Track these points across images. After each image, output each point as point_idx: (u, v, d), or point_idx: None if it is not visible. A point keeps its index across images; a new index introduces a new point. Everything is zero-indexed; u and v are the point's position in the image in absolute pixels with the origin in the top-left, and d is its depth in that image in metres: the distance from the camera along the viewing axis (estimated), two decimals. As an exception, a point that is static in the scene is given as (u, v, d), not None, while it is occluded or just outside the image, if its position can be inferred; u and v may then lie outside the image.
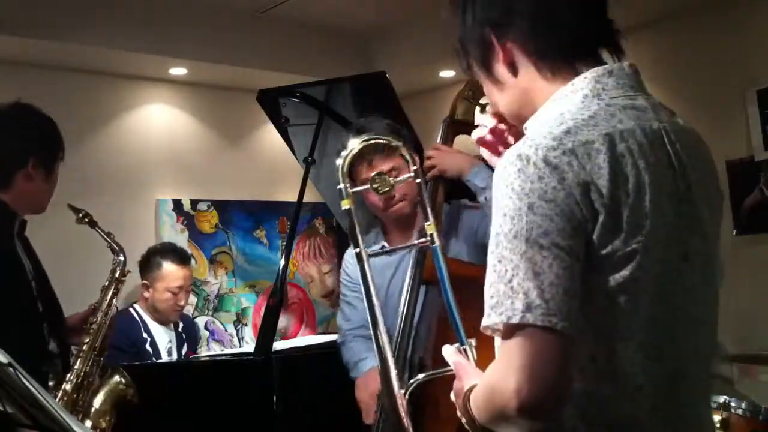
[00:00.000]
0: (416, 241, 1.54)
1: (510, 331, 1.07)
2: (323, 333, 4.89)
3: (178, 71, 4.76)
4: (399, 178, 1.61)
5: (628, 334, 1.13)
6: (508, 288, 1.07)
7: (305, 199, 3.08)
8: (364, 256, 1.43)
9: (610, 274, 1.11)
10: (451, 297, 1.43)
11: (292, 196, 3.89)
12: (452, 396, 1.29)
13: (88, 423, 2.32)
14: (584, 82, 1.20)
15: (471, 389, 1.21)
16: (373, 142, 1.56)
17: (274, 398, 2.64)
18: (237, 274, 5.03)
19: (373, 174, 1.59)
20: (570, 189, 1.08)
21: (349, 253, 2.69)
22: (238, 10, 4.68)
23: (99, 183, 4.41)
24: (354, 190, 1.45)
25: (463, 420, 1.23)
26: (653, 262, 1.13)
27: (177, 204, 4.84)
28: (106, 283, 2.52)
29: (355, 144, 1.48)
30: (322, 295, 5.30)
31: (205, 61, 4.64)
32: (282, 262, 2.98)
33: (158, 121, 4.90)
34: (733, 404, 2.51)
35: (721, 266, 1.26)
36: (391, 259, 2.52)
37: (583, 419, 1.13)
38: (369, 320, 1.43)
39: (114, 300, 2.51)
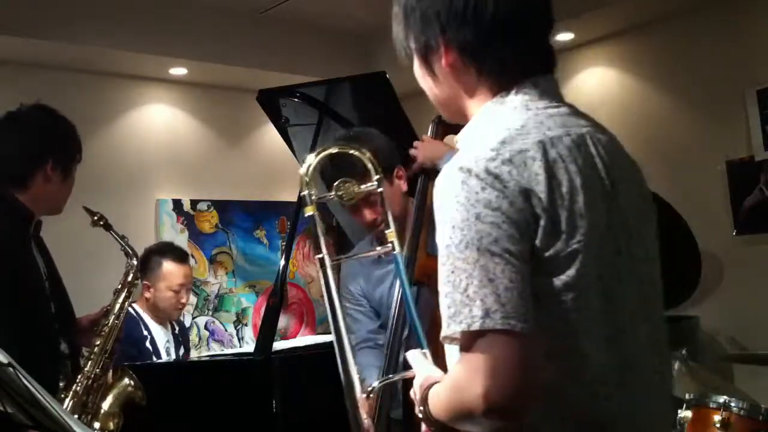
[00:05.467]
0: (380, 249, 1.56)
1: (471, 338, 1.10)
2: (323, 333, 4.89)
3: (178, 71, 4.76)
4: (362, 187, 1.58)
5: (581, 329, 1.18)
6: (464, 297, 1.10)
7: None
8: (327, 263, 1.46)
9: (557, 275, 1.16)
10: (411, 304, 1.47)
11: (292, 196, 3.89)
12: (411, 394, 1.33)
13: (97, 425, 2.31)
14: (512, 95, 1.26)
15: (430, 387, 1.25)
16: (333, 152, 1.57)
17: (274, 403, 2.64)
18: (237, 274, 5.03)
19: (338, 182, 1.59)
20: (513, 197, 1.13)
21: (347, 270, 2.69)
22: (237, 10, 4.68)
23: (99, 183, 4.40)
24: (318, 199, 1.47)
25: (421, 415, 1.27)
26: (594, 259, 1.18)
27: (177, 204, 4.84)
28: (119, 286, 2.51)
29: (312, 159, 1.49)
30: (322, 295, 5.29)
31: (205, 61, 4.64)
32: (282, 262, 2.97)
33: (158, 121, 4.90)
34: (733, 404, 2.51)
35: (653, 261, 1.34)
36: (390, 266, 2.52)
37: (544, 415, 1.16)
38: (332, 326, 1.46)
39: (126, 303, 2.51)
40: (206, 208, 4.95)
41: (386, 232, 1.52)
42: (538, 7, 1.31)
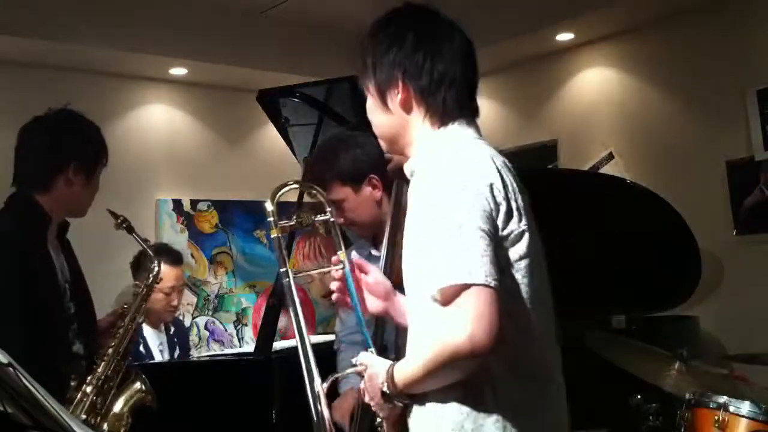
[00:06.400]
0: (332, 267, 1.81)
1: (455, 292, 1.41)
2: (323, 333, 4.89)
3: (178, 71, 4.76)
4: (317, 218, 1.89)
5: (529, 294, 1.52)
6: (449, 261, 1.42)
7: (305, 199, 3.08)
8: (290, 275, 1.76)
9: (513, 247, 1.51)
10: (360, 311, 1.76)
11: (292, 197, 3.88)
12: (362, 384, 1.63)
13: (105, 426, 2.30)
14: (451, 126, 1.63)
15: (392, 366, 1.54)
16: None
17: (273, 403, 2.64)
18: (237, 274, 5.03)
19: (297, 211, 1.92)
20: (481, 189, 1.48)
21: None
22: (238, 10, 4.68)
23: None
24: (282, 224, 1.81)
25: (377, 398, 1.56)
26: (533, 239, 1.54)
27: (177, 204, 4.84)
28: (139, 289, 2.51)
29: (269, 206, 1.80)
30: (322, 295, 5.30)
31: (205, 61, 4.64)
32: (282, 262, 2.97)
33: (158, 121, 4.90)
34: (733, 404, 2.51)
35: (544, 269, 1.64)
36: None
37: (506, 365, 1.47)
38: (294, 327, 1.71)
39: (143, 306, 2.50)
40: (206, 208, 4.95)
41: (338, 252, 1.79)
42: (471, 69, 1.68)
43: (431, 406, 1.53)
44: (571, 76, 4.79)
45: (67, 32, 4.13)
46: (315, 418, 1.65)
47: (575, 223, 3.26)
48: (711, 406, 2.55)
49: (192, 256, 4.83)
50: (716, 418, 2.50)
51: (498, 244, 1.47)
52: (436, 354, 1.43)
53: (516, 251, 1.51)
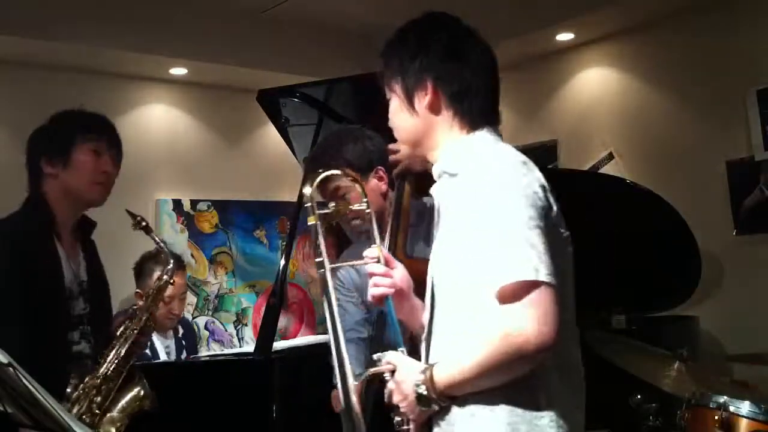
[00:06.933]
0: (368, 260, 1.78)
1: (521, 289, 1.42)
2: (323, 333, 4.89)
3: (178, 71, 4.76)
4: (354, 206, 1.86)
5: (569, 294, 1.55)
6: (514, 257, 1.44)
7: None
8: (327, 265, 1.68)
9: (565, 248, 1.57)
10: (392, 308, 1.71)
11: (292, 196, 3.89)
12: (391, 385, 1.59)
13: (102, 428, 2.29)
14: (479, 132, 1.66)
15: (431, 367, 1.52)
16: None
17: (273, 407, 2.64)
18: (237, 274, 5.03)
19: (337, 199, 1.90)
20: (537, 189, 1.51)
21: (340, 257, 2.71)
22: (238, 10, 4.68)
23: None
24: (321, 212, 1.73)
25: (409, 399, 1.53)
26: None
27: (177, 204, 4.84)
28: (151, 291, 2.49)
29: (312, 185, 1.77)
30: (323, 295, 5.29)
31: (205, 61, 4.64)
32: (282, 262, 2.98)
33: (158, 121, 4.90)
34: (733, 404, 2.51)
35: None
36: None
37: (554, 361, 1.49)
38: (328, 321, 1.68)
39: (153, 309, 2.46)
40: (206, 208, 4.95)
41: (373, 246, 1.75)
42: (493, 79, 1.71)
43: (475, 409, 1.51)
44: (571, 76, 4.79)
45: (67, 32, 4.13)
46: (346, 409, 1.61)
47: (575, 223, 3.25)
48: (711, 406, 2.55)
49: (192, 256, 4.83)
50: (716, 418, 2.50)
51: (552, 243, 1.49)
52: (497, 350, 1.43)
53: (568, 251, 1.57)
